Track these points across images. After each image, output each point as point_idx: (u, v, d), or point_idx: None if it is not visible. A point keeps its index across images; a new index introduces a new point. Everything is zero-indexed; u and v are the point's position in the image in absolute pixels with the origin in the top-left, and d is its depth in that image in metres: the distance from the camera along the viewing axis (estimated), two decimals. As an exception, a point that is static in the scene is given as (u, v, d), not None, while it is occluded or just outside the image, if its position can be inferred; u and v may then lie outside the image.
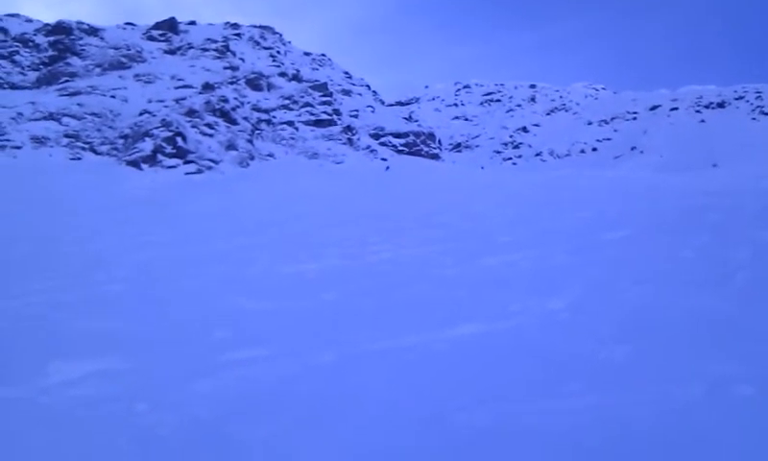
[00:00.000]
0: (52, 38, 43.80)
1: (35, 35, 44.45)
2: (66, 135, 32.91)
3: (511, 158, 73.34)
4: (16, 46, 42.77)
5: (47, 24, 46.18)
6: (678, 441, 2.88)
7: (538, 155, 73.08)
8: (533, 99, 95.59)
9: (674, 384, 3.46)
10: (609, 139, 74.07)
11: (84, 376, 4.13)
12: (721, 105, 77.56)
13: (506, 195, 17.37)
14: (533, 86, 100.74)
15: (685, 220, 9.15)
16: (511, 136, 79.81)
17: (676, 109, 79.43)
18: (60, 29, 44.56)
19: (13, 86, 39.83)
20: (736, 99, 78.05)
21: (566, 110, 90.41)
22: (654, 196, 13.38)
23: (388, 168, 24.02)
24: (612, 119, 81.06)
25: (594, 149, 72.22)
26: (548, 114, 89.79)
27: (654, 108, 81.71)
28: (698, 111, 76.83)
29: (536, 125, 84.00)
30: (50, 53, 42.87)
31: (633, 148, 67.32)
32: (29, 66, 41.98)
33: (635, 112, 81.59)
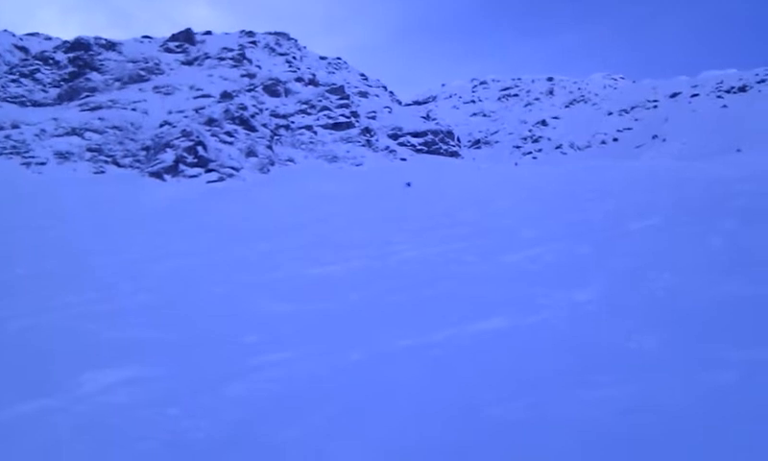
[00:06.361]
0: (71, 55, 44.47)
1: (54, 52, 45.14)
2: (89, 150, 33.41)
3: (531, 153, 72.96)
4: (37, 64, 43.48)
5: (66, 41, 46.88)
6: (711, 427, 2.85)
7: (558, 148, 72.63)
8: (551, 92, 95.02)
9: (706, 371, 3.43)
10: (629, 129, 73.40)
11: (117, 383, 4.19)
12: (743, 89, 76.38)
13: (527, 189, 17.27)
14: (550, 79, 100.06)
15: (712, 207, 9.04)
16: (530, 130, 79.42)
17: (697, 95, 78.45)
18: (78, 45, 45.20)
19: (36, 104, 40.50)
20: (758, 82, 76.77)
21: (585, 102, 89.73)
22: (678, 184, 13.23)
23: (409, 184, 24.01)
24: (633, 108, 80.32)
25: (615, 139, 71.60)
26: (567, 106, 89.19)
27: (674, 95, 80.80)
28: (719, 97, 75.75)
29: (555, 118, 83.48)
30: (70, 69, 43.52)
31: (654, 137, 66.61)
32: (50, 83, 42.64)
33: (655, 101, 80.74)
